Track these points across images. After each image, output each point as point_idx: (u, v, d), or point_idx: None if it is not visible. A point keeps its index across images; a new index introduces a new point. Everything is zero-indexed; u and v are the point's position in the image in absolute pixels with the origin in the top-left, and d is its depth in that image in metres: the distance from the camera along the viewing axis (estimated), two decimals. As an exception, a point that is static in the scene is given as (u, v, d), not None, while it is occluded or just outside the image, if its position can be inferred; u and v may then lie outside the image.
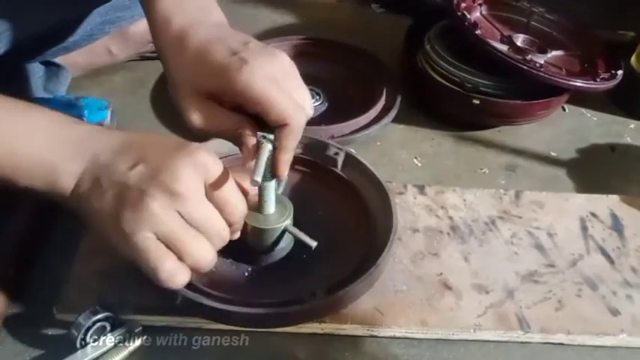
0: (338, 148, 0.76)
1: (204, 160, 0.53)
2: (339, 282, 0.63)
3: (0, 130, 0.52)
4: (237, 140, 0.57)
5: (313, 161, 0.76)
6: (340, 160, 0.75)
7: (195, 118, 0.57)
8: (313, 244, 0.62)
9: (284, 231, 0.63)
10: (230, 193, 0.54)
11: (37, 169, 0.52)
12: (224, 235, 0.55)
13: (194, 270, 0.54)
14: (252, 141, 0.56)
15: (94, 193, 0.52)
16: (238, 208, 0.55)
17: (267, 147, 0.56)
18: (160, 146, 0.54)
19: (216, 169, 0.53)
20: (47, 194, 0.53)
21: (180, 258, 0.52)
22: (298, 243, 0.64)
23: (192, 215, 0.52)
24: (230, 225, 0.55)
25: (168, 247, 0.52)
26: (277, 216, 0.63)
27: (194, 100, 0.57)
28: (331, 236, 0.69)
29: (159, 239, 0.51)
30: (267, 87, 0.55)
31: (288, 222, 0.63)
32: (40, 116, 0.54)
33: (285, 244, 0.66)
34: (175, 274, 0.52)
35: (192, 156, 0.52)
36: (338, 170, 0.75)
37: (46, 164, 0.52)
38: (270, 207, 0.62)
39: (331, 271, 0.65)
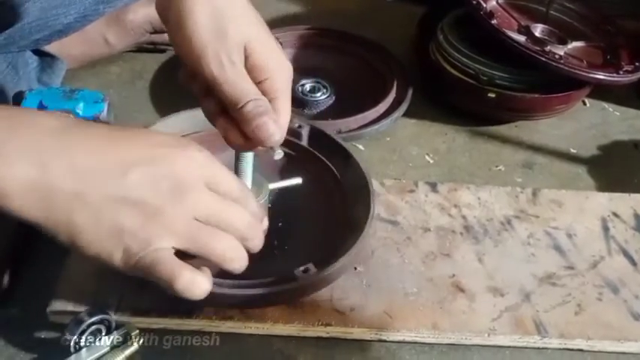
0: (300, 122, 0.79)
1: (200, 155, 0.51)
2: (324, 258, 0.64)
3: None
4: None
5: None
6: (305, 133, 0.78)
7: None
8: (298, 180, 0.65)
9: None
10: (235, 184, 0.53)
11: None
12: (251, 223, 0.53)
13: (228, 269, 0.52)
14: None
15: (73, 208, 0.46)
16: (248, 200, 0.54)
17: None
18: (145, 145, 0.50)
19: (211, 162, 0.51)
20: None
21: (207, 259, 0.50)
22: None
23: (210, 218, 0.50)
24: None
25: (188, 253, 0.50)
26: (255, 191, 0.61)
27: None
28: (309, 214, 0.71)
29: (173, 248, 0.49)
30: None
31: (266, 198, 0.63)
32: None
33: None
34: (193, 284, 0.49)
35: (187, 153, 0.50)
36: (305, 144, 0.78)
37: None
38: (247, 181, 0.60)
39: (315, 247, 0.67)
